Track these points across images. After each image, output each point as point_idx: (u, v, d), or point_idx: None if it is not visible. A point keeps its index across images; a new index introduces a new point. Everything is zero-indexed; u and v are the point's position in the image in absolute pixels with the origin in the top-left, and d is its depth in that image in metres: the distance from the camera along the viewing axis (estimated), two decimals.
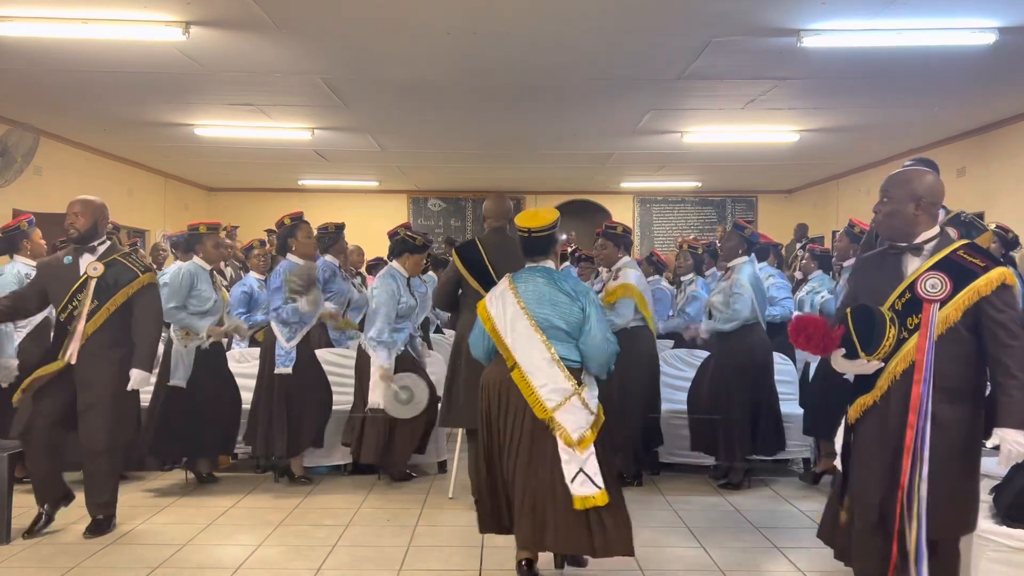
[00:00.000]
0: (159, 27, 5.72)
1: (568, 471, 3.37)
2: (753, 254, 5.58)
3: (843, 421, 3.12)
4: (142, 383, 4.35)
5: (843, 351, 2.90)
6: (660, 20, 5.70)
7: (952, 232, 3.88)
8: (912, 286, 2.87)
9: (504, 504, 3.62)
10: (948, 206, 4.14)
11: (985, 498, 3.30)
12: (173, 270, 5.71)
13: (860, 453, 2.99)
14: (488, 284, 4.34)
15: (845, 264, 5.46)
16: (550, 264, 3.70)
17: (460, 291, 4.87)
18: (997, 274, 2.78)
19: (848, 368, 2.95)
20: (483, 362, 3.75)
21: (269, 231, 10.12)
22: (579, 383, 3.47)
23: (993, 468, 3.46)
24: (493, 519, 3.68)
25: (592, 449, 3.41)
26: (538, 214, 3.70)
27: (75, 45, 6.20)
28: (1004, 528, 3.16)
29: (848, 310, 2.91)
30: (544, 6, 5.44)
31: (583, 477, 3.36)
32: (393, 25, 5.82)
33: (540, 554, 3.68)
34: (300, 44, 6.29)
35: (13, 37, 5.97)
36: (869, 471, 2.93)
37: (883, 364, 2.88)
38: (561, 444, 3.39)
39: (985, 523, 3.18)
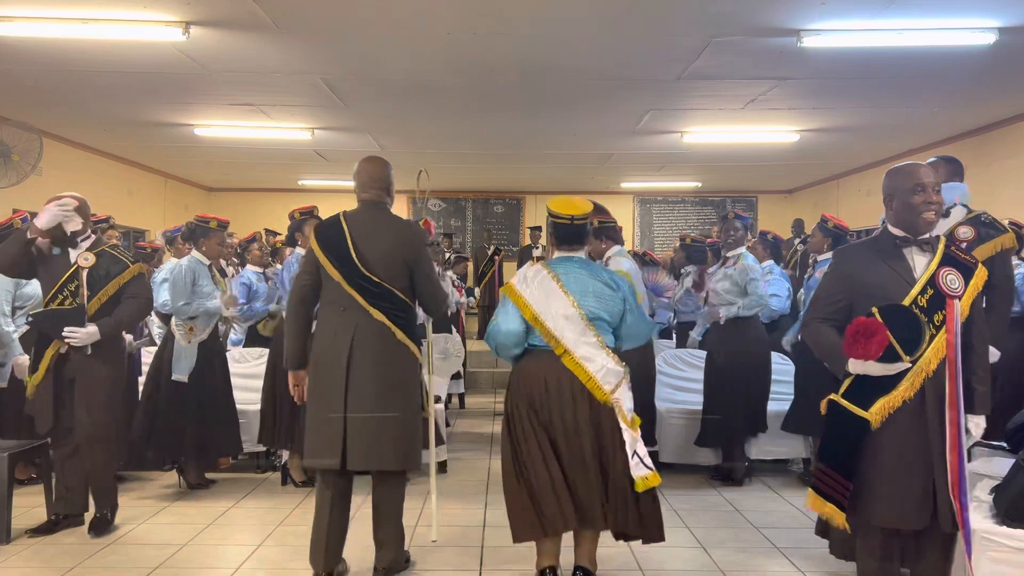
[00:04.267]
0: (159, 27, 5.72)
1: (628, 452, 3.37)
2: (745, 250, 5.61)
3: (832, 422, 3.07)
4: (86, 338, 4.21)
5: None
6: (660, 20, 5.70)
7: (969, 231, 3.90)
8: (933, 282, 2.88)
9: (554, 500, 3.36)
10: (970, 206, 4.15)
11: (985, 498, 3.30)
12: (170, 266, 5.71)
13: (896, 457, 2.89)
14: (350, 273, 3.55)
15: (820, 258, 5.50)
16: (583, 254, 3.64)
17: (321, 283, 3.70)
18: (984, 271, 2.99)
19: (876, 371, 2.86)
20: (508, 350, 3.55)
21: (268, 231, 10.13)
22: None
23: (993, 468, 3.47)
24: (536, 521, 3.39)
25: (639, 431, 3.44)
26: (574, 202, 3.59)
27: (75, 45, 6.19)
28: (1004, 528, 3.16)
29: (876, 310, 2.82)
30: (544, 6, 5.44)
31: (637, 459, 3.36)
32: (393, 25, 5.82)
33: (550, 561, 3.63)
34: (300, 44, 6.29)
35: (13, 37, 5.96)
36: (913, 473, 2.87)
37: (910, 365, 2.84)
38: (623, 426, 3.38)
39: (985, 523, 3.18)
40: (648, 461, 3.40)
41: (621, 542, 3.63)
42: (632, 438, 3.39)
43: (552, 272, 3.50)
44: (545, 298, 3.44)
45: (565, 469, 3.39)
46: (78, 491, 4.46)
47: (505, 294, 3.55)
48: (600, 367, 3.40)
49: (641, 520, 3.40)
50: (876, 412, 2.88)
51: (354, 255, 3.56)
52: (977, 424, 3.00)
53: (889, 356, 2.79)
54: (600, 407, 3.40)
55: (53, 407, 4.30)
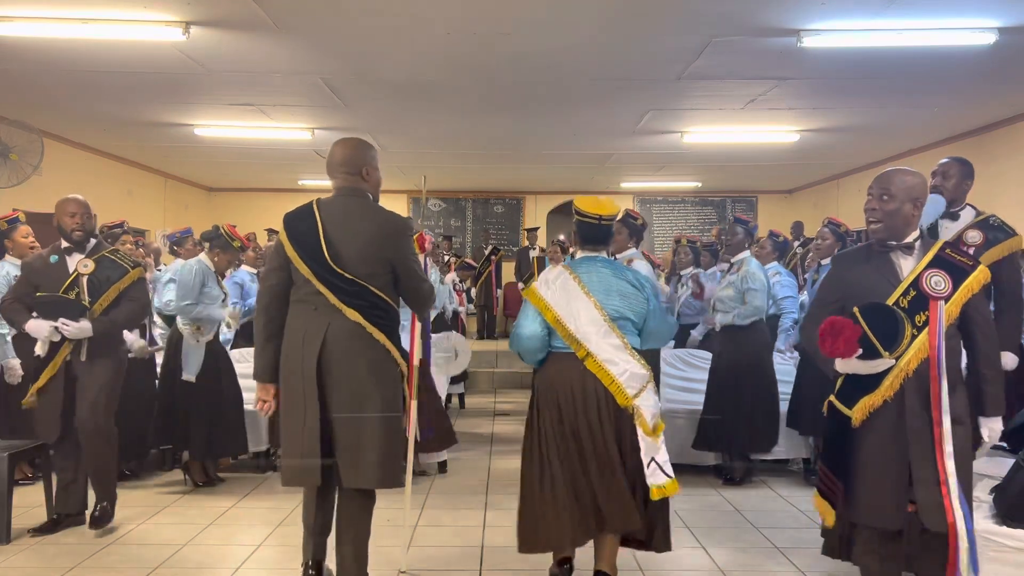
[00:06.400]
0: (159, 27, 5.72)
1: (644, 460, 3.30)
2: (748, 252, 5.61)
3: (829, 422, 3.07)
4: (77, 332, 4.24)
5: (859, 352, 2.84)
6: (660, 20, 5.70)
7: (977, 235, 3.89)
8: (916, 283, 2.89)
9: (568, 520, 3.33)
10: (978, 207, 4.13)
11: (985, 498, 3.31)
12: (177, 266, 5.71)
13: (873, 455, 2.91)
14: (321, 269, 3.20)
15: (824, 262, 5.51)
16: (605, 254, 3.60)
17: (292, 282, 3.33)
18: (983, 273, 2.93)
19: (861, 369, 2.88)
20: (531, 355, 3.48)
21: (270, 231, 10.14)
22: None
23: (993, 468, 3.48)
24: (546, 537, 3.38)
25: (663, 437, 3.37)
26: (602, 202, 3.55)
27: (75, 45, 6.19)
28: (1004, 528, 3.17)
29: (856, 309, 2.85)
30: (544, 7, 5.44)
31: (655, 466, 3.30)
32: (393, 25, 5.82)
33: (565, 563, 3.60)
34: (300, 44, 6.28)
35: (13, 37, 5.96)
36: (889, 473, 2.87)
37: (894, 362, 2.85)
38: (640, 433, 3.31)
39: (985, 523, 3.19)
40: (668, 469, 3.32)
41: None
42: (651, 445, 3.31)
43: (574, 274, 3.45)
44: (567, 300, 3.39)
45: (591, 477, 3.33)
46: (77, 490, 4.48)
47: (526, 298, 3.51)
48: (623, 371, 3.32)
49: (650, 527, 3.37)
50: (857, 410, 2.92)
51: (325, 249, 3.19)
52: (991, 428, 2.95)
53: (869, 353, 2.81)
54: (622, 411, 3.34)
55: (61, 416, 4.32)
